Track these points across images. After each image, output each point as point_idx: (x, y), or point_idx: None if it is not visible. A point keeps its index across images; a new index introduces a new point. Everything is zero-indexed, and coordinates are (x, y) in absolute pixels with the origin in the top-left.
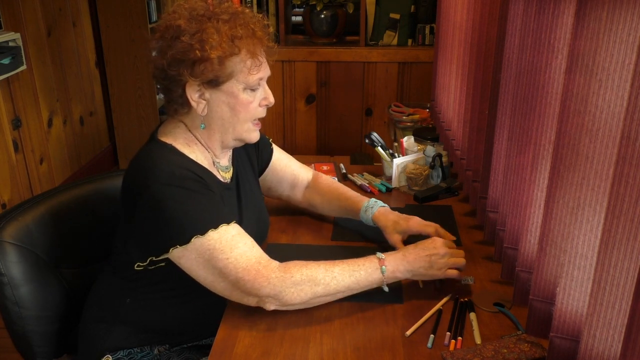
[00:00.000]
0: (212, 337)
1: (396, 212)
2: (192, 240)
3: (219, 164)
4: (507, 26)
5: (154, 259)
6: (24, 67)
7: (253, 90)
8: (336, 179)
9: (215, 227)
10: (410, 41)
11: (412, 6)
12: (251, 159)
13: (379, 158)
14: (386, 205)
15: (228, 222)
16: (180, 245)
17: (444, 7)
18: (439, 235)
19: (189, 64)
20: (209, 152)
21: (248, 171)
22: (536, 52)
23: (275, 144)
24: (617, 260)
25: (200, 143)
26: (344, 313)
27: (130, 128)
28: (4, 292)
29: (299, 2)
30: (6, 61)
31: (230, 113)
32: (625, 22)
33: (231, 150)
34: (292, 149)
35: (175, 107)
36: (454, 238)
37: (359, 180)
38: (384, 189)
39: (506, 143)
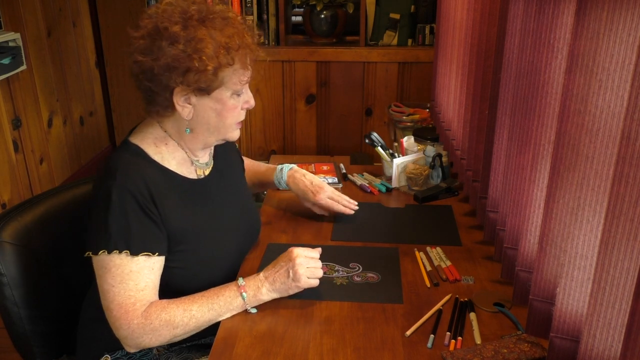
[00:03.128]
0: (211, 337)
1: (306, 178)
2: (100, 253)
3: (198, 162)
4: (507, 26)
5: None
6: (24, 67)
7: (239, 95)
8: (336, 179)
9: (120, 251)
10: (410, 41)
11: (412, 6)
12: (233, 155)
13: (379, 158)
14: (293, 165)
15: (134, 253)
16: (92, 253)
17: (444, 7)
18: (338, 211)
19: (182, 72)
20: (184, 151)
21: (232, 167)
22: (536, 52)
23: (275, 144)
24: (617, 260)
25: (178, 144)
26: (344, 313)
27: (130, 128)
28: (3, 292)
29: (299, 2)
30: (6, 61)
31: (216, 118)
32: (625, 22)
33: (212, 148)
34: (292, 149)
35: (158, 109)
36: (354, 209)
37: (359, 180)
38: (384, 189)
39: (506, 143)
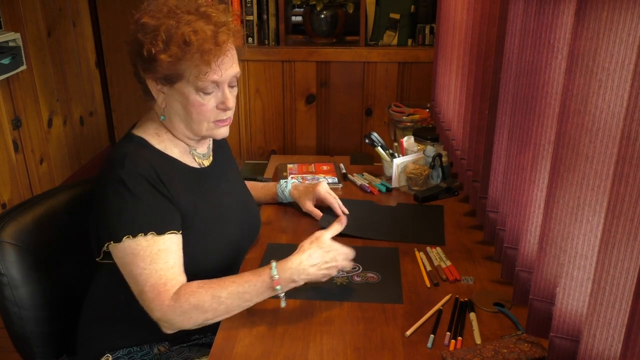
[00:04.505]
0: (212, 336)
1: (304, 184)
2: (124, 239)
3: (196, 151)
4: (507, 26)
5: (104, 250)
6: (24, 67)
7: (207, 93)
8: (336, 179)
9: (145, 233)
10: (410, 41)
11: (412, 6)
12: (229, 154)
13: (379, 158)
14: (295, 180)
15: (161, 232)
16: (114, 242)
17: (444, 7)
18: (331, 205)
19: (143, 60)
20: (181, 140)
21: (230, 165)
22: (536, 52)
23: (275, 144)
24: (617, 260)
25: (170, 132)
26: (344, 313)
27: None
28: (3, 293)
29: (299, 2)
30: (6, 61)
31: (183, 111)
32: (625, 22)
33: (211, 140)
34: (292, 149)
35: (145, 95)
36: (345, 214)
37: (359, 180)
38: (384, 189)
39: (506, 143)
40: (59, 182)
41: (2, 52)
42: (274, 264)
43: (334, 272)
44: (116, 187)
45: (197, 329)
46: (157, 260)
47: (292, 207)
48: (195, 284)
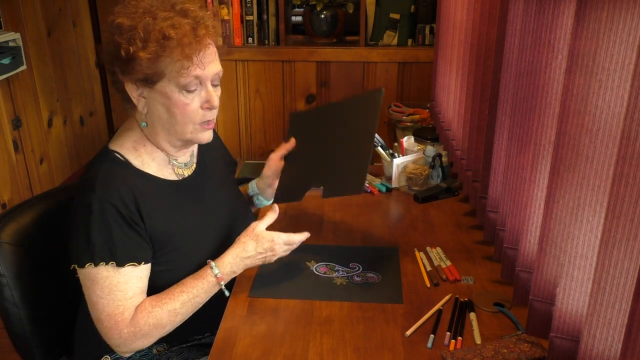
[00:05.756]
0: (211, 336)
1: (258, 179)
2: (86, 266)
3: (176, 161)
4: (507, 26)
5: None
6: (24, 67)
7: (190, 91)
8: None
9: (107, 263)
10: (410, 41)
11: (412, 6)
12: (220, 155)
13: (379, 158)
14: (255, 178)
15: (120, 264)
16: (78, 266)
17: (444, 7)
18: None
19: (121, 62)
20: (162, 151)
21: (218, 168)
22: (536, 52)
23: (275, 144)
24: (617, 260)
25: (150, 142)
26: (344, 313)
27: None
28: (3, 293)
29: (299, 2)
30: (6, 61)
31: (167, 114)
32: (625, 22)
33: (195, 147)
34: None
35: (125, 103)
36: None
37: None
38: (384, 189)
39: (506, 143)
40: (59, 182)
41: (2, 52)
42: (212, 263)
43: (272, 259)
44: (84, 211)
45: (192, 328)
46: (115, 291)
47: (292, 206)
48: (148, 303)
